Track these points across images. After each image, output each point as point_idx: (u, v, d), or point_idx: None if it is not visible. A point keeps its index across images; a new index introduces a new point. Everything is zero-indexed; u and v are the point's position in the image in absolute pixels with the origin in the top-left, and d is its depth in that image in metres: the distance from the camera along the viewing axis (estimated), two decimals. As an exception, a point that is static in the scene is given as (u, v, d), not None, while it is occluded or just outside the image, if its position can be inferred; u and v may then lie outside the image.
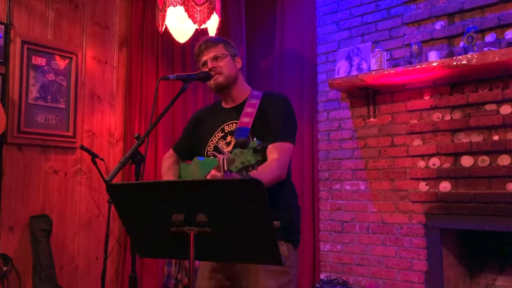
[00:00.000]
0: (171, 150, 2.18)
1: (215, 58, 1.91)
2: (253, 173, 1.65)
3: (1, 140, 3.24)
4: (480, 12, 3.18)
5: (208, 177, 1.56)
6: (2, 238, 3.23)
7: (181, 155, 2.13)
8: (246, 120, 1.84)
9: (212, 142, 1.95)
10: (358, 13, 3.75)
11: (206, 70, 1.91)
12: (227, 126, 1.93)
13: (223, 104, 2.02)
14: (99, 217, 3.77)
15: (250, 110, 1.88)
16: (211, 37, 2.01)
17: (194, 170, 1.89)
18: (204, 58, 1.93)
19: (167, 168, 2.10)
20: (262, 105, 1.89)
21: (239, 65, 1.98)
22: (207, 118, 2.05)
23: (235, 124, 1.91)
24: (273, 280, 1.75)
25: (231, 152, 1.48)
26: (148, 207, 1.38)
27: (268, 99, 1.92)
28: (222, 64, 1.91)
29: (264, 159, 1.42)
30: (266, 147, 1.39)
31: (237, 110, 1.92)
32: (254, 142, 1.38)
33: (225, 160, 1.51)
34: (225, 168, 1.50)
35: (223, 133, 1.93)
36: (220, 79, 1.91)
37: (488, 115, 3.05)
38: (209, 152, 1.86)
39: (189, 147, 2.09)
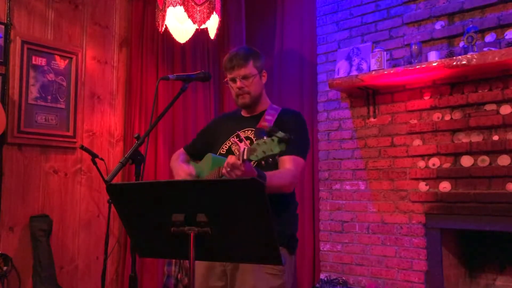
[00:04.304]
0: (181, 149, 2.23)
1: (245, 78, 1.95)
2: (268, 174, 1.66)
3: (1, 140, 3.24)
4: (480, 12, 3.18)
5: (227, 162, 1.56)
6: (2, 238, 3.23)
7: (192, 155, 2.19)
8: (266, 124, 1.91)
9: (225, 145, 2.00)
10: (358, 13, 3.75)
11: (234, 86, 1.97)
12: (242, 133, 1.98)
13: (242, 113, 2.09)
14: (99, 217, 3.77)
15: (269, 118, 1.96)
16: (243, 53, 1.99)
17: (205, 165, 1.91)
18: (234, 75, 1.96)
19: (177, 158, 2.16)
20: (279, 118, 1.96)
21: (264, 80, 2.04)
22: (224, 123, 2.12)
23: (250, 131, 1.97)
24: (263, 281, 1.76)
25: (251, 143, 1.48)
26: (148, 207, 1.38)
27: (285, 115, 1.99)
28: (251, 84, 1.96)
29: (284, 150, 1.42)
30: (291, 139, 1.39)
31: (255, 119, 1.99)
32: (281, 132, 1.37)
33: (245, 149, 1.50)
34: (245, 157, 1.49)
35: (238, 138, 1.98)
36: (247, 99, 1.98)
37: (488, 115, 3.05)
38: (232, 139, 1.95)
39: (202, 148, 2.12)
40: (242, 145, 1.56)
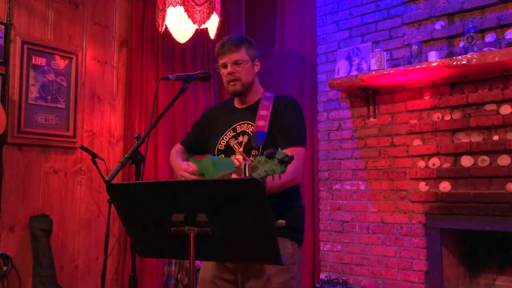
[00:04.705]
0: (178, 144, 2.20)
1: (236, 63, 1.92)
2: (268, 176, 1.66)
3: (1, 140, 3.24)
4: (480, 12, 3.18)
5: None
6: (2, 238, 3.23)
7: (189, 150, 2.16)
8: (262, 123, 1.87)
9: (223, 140, 1.97)
10: (358, 13, 3.75)
11: (225, 71, 1.93)
12: (239, 126, 1.95)
13: (236, 104, 2.05)
14: (99, 217, 3.77)
15: (264, 112, 1.90)
16: (235, 38, 1.97)
17: (207, 167, 1.91)
18: (225, 60, 1.94)
19: (176, 155, 2.12)
20: (275, 108, 1.92)
21: (257, 69, 2.00)
22: (218, 116, 2.07)
23: (247, 124, 1.93)
24: (275, 276, 1.78)
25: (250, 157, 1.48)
26: (148, 207, 1.38)
27: (280, 103, 1.95)
28: (242, 70, 1.93)
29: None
30: (292, 159, 1.39)
31: (250, 111, 1.95)
32: (281, 153, 1.39)
33: (247, 166, 1.51)
34: (247, 174, 1.50)
35: (235, 133, 1.95)
36: (238, 86, 1.94)
37: (488, 115, 3.05)
38: (240, 154, 1.90)
39: (200, 141, 2.11)
40: (242, 162, 1.57)
